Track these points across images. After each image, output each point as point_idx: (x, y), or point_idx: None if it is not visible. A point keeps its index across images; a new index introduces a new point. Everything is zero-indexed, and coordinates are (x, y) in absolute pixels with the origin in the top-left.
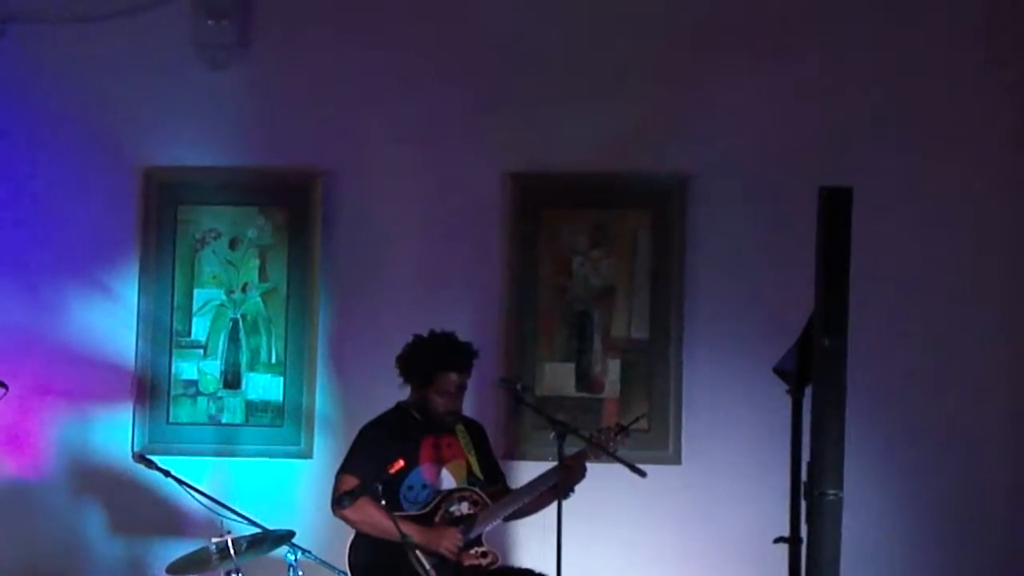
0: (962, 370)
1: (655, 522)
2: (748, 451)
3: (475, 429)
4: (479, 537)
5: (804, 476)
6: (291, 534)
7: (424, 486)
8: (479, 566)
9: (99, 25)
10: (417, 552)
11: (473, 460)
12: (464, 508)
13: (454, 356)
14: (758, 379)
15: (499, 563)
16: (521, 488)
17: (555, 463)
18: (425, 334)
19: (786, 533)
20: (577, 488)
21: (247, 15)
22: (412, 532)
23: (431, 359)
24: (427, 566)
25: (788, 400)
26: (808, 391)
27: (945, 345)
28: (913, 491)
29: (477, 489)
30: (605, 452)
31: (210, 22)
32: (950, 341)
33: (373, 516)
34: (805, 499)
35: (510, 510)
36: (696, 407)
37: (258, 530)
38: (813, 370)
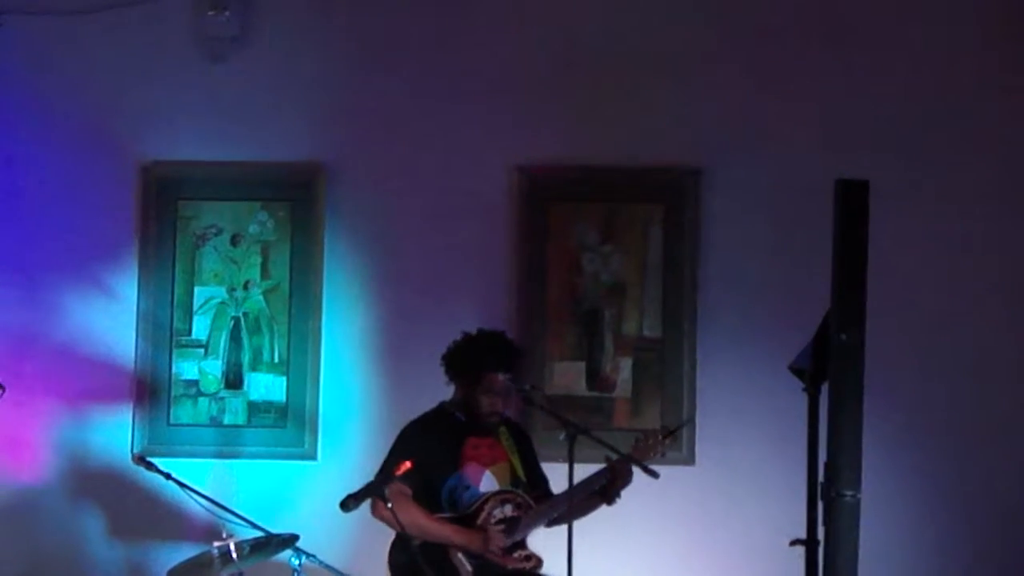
0: (982, 368)
1: (668, 524)
2: (763, 451)
3: (519, 433)
4: (523, 540)
5: (821, 476)
6: (295, 538)
7: (467, 488)
8: (522, 569)
9: (97, 17)
10: (459, 553)
11: (517, 463)
12: (507, 510)
13: (502, 356)
14: (774, 377)
15: (541, 567)
16: (565, 491)
17: (602, 465)
18: (473, 332)
19: (803, 535)
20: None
21: (248, 6)
22: (454, 533)
23: (479, 358)
24: (469, 568)
25: (805, 399)
26: (825, 389)
27: (965, 342)
28: (932, 491)
29: (520, 492)
30: (640, 463)
31: (210, 14)
32: (970, 338)
33: (415, 516)
34: (822, 500)
35: (554, 513)
36: (710, 406)
37: (261, 534)
38: (830, 367)
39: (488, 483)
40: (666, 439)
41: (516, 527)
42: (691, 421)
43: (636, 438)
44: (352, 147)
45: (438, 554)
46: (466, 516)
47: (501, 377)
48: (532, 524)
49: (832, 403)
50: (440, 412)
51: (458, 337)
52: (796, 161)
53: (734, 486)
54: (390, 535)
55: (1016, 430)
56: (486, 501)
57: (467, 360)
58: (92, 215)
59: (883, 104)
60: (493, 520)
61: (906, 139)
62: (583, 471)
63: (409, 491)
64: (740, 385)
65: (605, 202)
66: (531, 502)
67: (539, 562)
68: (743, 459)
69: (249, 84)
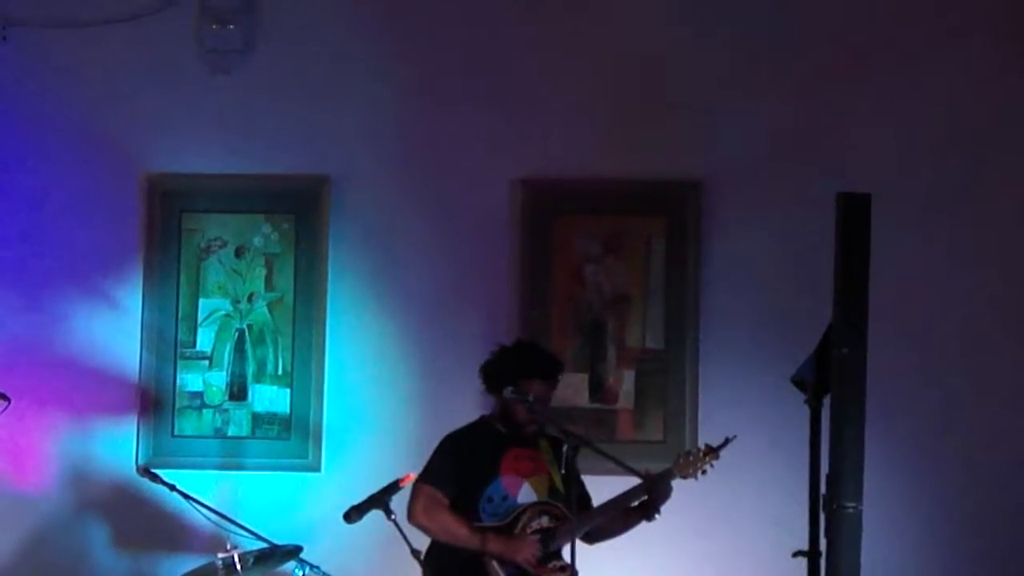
0: (985, 379)
1: (670, 535)
2: (766, 463)
3: (560, 447)
4: (559, 551)
5: (823, 488)
6: (299, 549)
7: (504, 498)
8: None
9: (101, 30)
10: (494, 562)
11: (556, 476)
12: (544, 521)
13: (539, 364)
14: (776, 389)
15: None
16: (603, 504)
17: (640, 480)
18: (510, 343)
19: (805, 546)
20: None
21: (252, 19)
22: (489, 541)
23: (515, 367)
24: None
25: (807, 410)
26: (827, 401)
27: (968, 354)
28: (934, 503)
29: (559, 503)
30: (658, 481)
31: (214, 26)
32: (973, 350)
33: (448, 523)
34: (824, 512)
35: (591, 525)
36: (712, 418)
37: (265, 545)
38: (831, 380)
39: (526, 494)
40: (707, 456)
41: (552, 538)
42: (735, 437)
43: (679, 454)
44: (356, 160)
45: (473, 562)
46: (503, 526)
47: (538, 385)
48: (568, 535)
49: (834, 415)
50: (480, 423)
51: (494, 348)
52: (798, 173)
53: (736, 498)
54: (395, 545)
55: (1018, 441)
56: (523, 511)
57: (504, 369)
58: (96, 227)
59: (885, 116)
60: (530, 530)
61: (908, 151)
62: (586, 483)
63: (445, 499)
64: (742, 396)
65: (608, 215)
66: (568, 514)
67: (574, 574)
68: (746, 471)
69: (253, 97)
